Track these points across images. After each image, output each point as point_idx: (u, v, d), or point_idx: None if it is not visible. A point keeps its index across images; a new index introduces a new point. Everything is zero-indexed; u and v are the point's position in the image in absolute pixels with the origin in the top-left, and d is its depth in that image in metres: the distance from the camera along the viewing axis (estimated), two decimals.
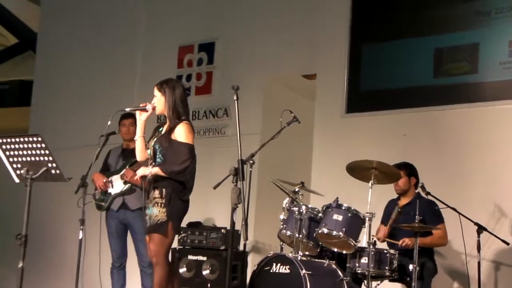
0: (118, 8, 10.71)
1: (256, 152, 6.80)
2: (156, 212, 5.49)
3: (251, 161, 6.71)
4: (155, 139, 5.67)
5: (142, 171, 5.61)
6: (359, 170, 6.30)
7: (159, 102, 5.69)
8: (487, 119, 7.29)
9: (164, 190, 5.52)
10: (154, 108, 5.71)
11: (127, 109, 6.07)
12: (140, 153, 5.76)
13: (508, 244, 6.56)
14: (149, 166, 5.62)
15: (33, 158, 5.25)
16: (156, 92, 5.72)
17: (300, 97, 9.31)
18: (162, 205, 5.49)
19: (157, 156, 5.60)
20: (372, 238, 6.09)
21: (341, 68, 8.33)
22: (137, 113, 5.76)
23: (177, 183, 5.55)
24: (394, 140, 7.75)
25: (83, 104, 10.51)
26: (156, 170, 5.51)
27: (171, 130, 5.60)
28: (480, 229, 6.46)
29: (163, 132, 5.67)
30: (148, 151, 5.68)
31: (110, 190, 7.20)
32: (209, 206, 8.71)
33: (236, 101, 5.41)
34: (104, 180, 7.20)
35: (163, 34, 10.13)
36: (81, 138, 9.67)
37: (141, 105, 5.76)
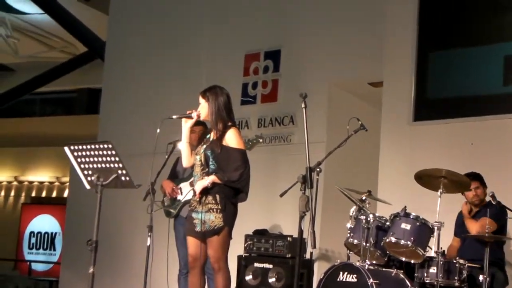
0: (184, 17, 10.82)
1: (323, 160, 6.79)
2: (213, 218, 5.56)
3: (318, 169, 6.68)
4: (205, 145, 5.72)
5: (201, 185, 5.62)
6: (428, 179, 6.25)
7: (203, 108, 5.77)
8: None
9: (218, 195, 5.59)
10: (199, 116, 5.79)
11: (174, 116, 6.00)
12: (186, 159, 5.87)
13: None
14: (200, 172, 5.67)
15: (103, 165, 5.32)
16: (201, 99, 5.81)
17: (365, 104, 9.27)
18: (218, 210, 5.57)
19: (210, 163, 5.65)
20: (441, 248, 6.02)
21: (408, 75, 8.25)
22: (183, 120, 5.84)
23: (229, 188, 5.61)
24: (462, 149, 7.64)
25: (150, 111, 10.61)
26: (213, 178, 5.58)
27: (221, 136, 5.66)
28: None
29: (211, 139, 5.72)
30: (197, 157, 5.73)
31: (179, 197, 7.27)
32: (275, 214, 8.73)
33: (304, 109, 5.39)
34: (173, 187, 7.27)
35: (229, 41, 10.21)
36: (148, 145, 9.75)
37: (187, 112, 5.83)
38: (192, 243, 5.71)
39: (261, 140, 7.41)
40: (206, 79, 10.25)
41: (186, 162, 5.90)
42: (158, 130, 5.96)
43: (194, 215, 5.68)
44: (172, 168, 7.44)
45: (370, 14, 8.86)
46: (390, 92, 8.47)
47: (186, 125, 5.82)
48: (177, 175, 7.40)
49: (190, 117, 5.80)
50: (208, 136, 5.82)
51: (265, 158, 9.01)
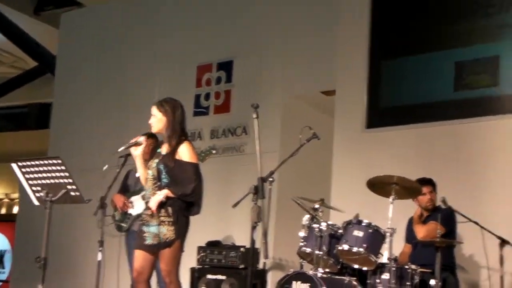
0: (136, 29, 10.74)
1: (275, 170, 6.67)
2: (165, 231, 5.46)
3: (270, 179, 6.61)
4: (157, 160, 5.62)
5: (156, 201, 5.50)
6: (380, 185, 6.23)
7: (159, 121, 5.64)
8: (509, 131, 7.19)
9: (170, 208, 5.49)
10: (147, 138, 5.74)
11: (121, 149, 5.84)
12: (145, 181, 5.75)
13: None
14: (153, 186, 5.58)
15: (52, 181, 5.28)
16: (156, 111, 5.66)
17: (319, 113, 9.26)
18: (171, 223, 5.47)
19: (163, 176, 5.56)
20: (393, 254, 6.00)
21: (360, 83, 8.28)
22: (132, 149, 5.73)
23: (182, 201, 5.53)
24: (415, 155, 7.68)
25: (102, 126, 10.52)
26: (167, 192, 5.48)
27: (174, 149, 5.56)
28: (503, 242, 6.36)
29: (163, 152, 5.63)
30: (150, 172, 5.62)
31: (130, 210, 7.16)
32: (228, 225, 8.66)
33: (256, 119, 5.33)
34: (125, 201, 7.16)
35: (181, 53, 10.14)
36: (99, 160, 9.64)
37: (132, 141, 5.74)
38: (139, 256, 5.60)
39: (214, 152, 7.35)
40: (158, 91, 10.16)
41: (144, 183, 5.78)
42: (106, 166, 5.90)
43: (144, 228, 5.58)
44: (123, 182, 7.33)
45: (322, 23, 8.87)
46: (342, 100, 8.49)
47: (137, 153, 5.70)
48: (128, 189, 7.30)
49: (138, 144, 5.71)
50: (159, 150, 5.72)
51: (219, 169, 8.95)
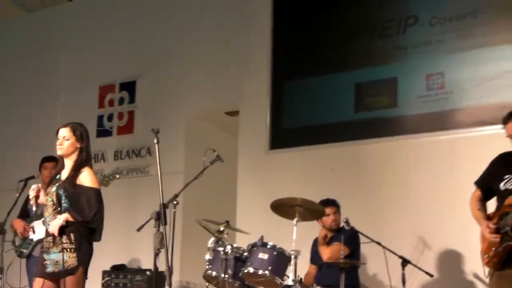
0: (37, 48, 10.54)
1: (179, 193, 6.63)
2: (66, 258, 5.32)
3: (175, 202, 6.58)
4: (57, 184, 5.51)
5: (57, 225, 5.34)
6: (283, 208, 6.27)
7: (71, 145, 5.53)
8: (408, 152, 7.38)
9: (72, 235, 5.36)
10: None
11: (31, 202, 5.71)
12: None
13: (432, 276, 6.58)
14: (53, 212, 5.43)
15: None
16: (68, 133, 5.53)
17: (224, 134, 9.28)
18: (73, 250, 5.33)
19: (63, 201, 5.43)
20: (298, 276, 6.05)
21: (263, 104, 8.35)
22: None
23: (85, 227, 5.42)
24: (318, 176, 7.78)
25: (2, 148, 10.25)
26: (67, 216, 5.34)
27: (75, 174, 5.47)
28: (405, 262, 6.45)
29: (64, 178, 5.53)
30: (48, 198, 5.49)
31: (31, 236, 6.99)
32: (133, 248, 8.56)
33: (156, 145, 5.30)
34: (25, 226, 6.99)
35: (84, 73, 10.01)
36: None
37: (33, 195, 5.60)
38: (40, 285, 5.45)
39: (118, 176, 7.25)
40: (61, 111, 10.01)
41: None
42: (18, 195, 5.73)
43: (45, 256, 5.44)
44: (23, 206, 7.14)
45: (226, 45, 8.91)
46: (246, 121, 8.54)
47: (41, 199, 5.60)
48: (29, 214, 7.12)
49: (38, 196, 5.59)
50: (58, 177, 5.59)
51: (123, 191, 8.85)
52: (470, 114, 7.11)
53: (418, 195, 7.18)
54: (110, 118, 9.65)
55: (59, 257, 5.35)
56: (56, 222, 5.36)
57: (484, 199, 5.03)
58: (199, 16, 9.21)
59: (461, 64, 7.26)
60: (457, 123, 7.19)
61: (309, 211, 6.22)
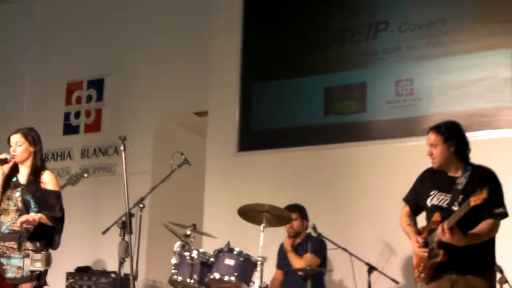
0: (6, 42, 10.40)
1: (145, 196, 6.62)
2: (28, 263, 5.27)
3: (141, 205, 6.53)
4: (19, 189, 5.44)
5: (31, 217, 5.30)
6: (251, 213, 6.25)
7: (25, 151, 5.51)
8: (376, 157, 7.39)
9: (38, 242, 5.34)
10: (14, 157, 5.51)
11: None
12: None
13: (397, 283, 6.61)
14: (17, 217, 5.33)
15: None
16: (20, 139, 5.52)
17: (193, 134, 9.23)
18: (37, 256, 5.28)
19: (33, 206, 5.40)
20: (264, 282, 6.03)
21: (232, 105, 8.31)
22: None
23: (48, 234, 5.38)
24: (286, 179, 7.76)
25: None
26: (40, 216, 5.29)
27: (37, 179, 5.46)
28: (371, 268, 6.49)
29: (22, 181, 5.46)
30: (11, 202, 5.42)
31: None
32: (99, 249, 8.47)
33: (123, 152, 5.27)
34: None
35: (51, 70, 9.89)
36: None
37: (1, 157, 5.51)
38: None
39: (86, 175, 7.18)
40: (27, 107, 9.89)
41: None
42: None
43: (4, 260, 5.35)
44: None
45: (195, 44, 8.85)
46: (214, 122, 8.50)
47: (1, 171, 5.48)
48: None
49: (5, 161, 5.49)
50: (15, 179, 5.51)
51: (89, 190, 8.76)
52: (438, 121, 7.08)
53: (385, 201, 7.15)
54: (77, 115, 9.55)
55: (21, 262, 5.29)
56: (33, 216, 5.28)
57: (414, 214, 5.06)
58: (169, 16, 9.14)
59: (429, 71, 7.30)
60: (425, 130, 7.16)
61: (276, 217, 6.21)
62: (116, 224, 5.18)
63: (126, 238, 5.06)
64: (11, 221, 5.39)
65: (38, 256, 5.28)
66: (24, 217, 5.31)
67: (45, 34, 10.12)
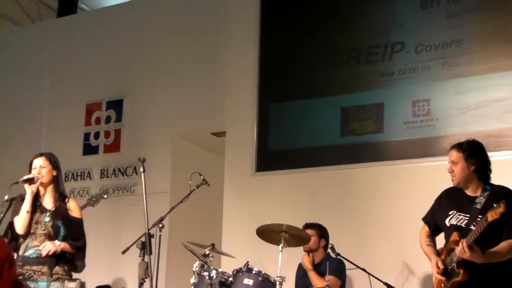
0: (23, 63, 10.54)
1: (164, 216, 6.69)
2: (60, 286, 5.41)
3: (160, 225, 6.59)
4: (48, 214, 5.54)
5: (52, 249, 5.43)
6: (269, 234, 6.29)
7: (49, 173, 5.64)
8: (393, 178, 7.42)
9: (66, 266, 5.51)
10: (40, 178, 5.60)
11: (20, 180, 5.60)
12: (26, 228, 5.50)
13: None
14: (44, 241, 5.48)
15: None
16: (45, 162, 5.65)
17: (210, 154, 9.29)
18: (65, 280, 5.44)
19: (62, 232, 5.54)
20: None
21: (250, 126, 8.37)
22: (26, 185, 5.57)
23: (72, 258, 5.54)
24: (303, 199, 7.80)
25: None
26: (64, 245, 5.48)
27: (65, 206, 5.62)
28: None
29: (48, 207, 5.57)
30: (40, 226, 5.52)
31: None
32: (118, 269, 8.54)
33: (142, 174, 5.34)
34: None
35: (70, 91, 10.00)
36: None
37: (30, 176, 5.58)
38: None
39: (106, 196, 7.26)
40: (46, 129, 10.00)
41: (23, 229, 5.51)
42: (6, 197, 5.71)
43: (32, 284, 5.42)
44: (7, 228, 7.09)
45: (212, 66, 8.93)
46: (232, 143, 8.56)
47: (30, 190, 5.55)
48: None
49: (32, 181, 5.57)
50: (39, 203, 5.60)
51: (109, 209, 8.84)
52: (455, 141, 7.12)
53: (403, 221, 7.20)
54: (96, 136, 9.65)
55: (50, 285, 5.39)
56: (52, 247, 5.38)
57: (433, 234, 5.08)
58: (187, 38, 9.23)
59: (446, 92, 7.34)
60: (442, 150, 7.22)
61: (294, 237, 6.24)
62: (135, 245, 5.23)
63: (146, 258, 5.10)
64: (38, 247, 5.47)
65: (72, 284, 5.37)
66: (48, 249, 5.43)
67: (65, 55, 10.23)
